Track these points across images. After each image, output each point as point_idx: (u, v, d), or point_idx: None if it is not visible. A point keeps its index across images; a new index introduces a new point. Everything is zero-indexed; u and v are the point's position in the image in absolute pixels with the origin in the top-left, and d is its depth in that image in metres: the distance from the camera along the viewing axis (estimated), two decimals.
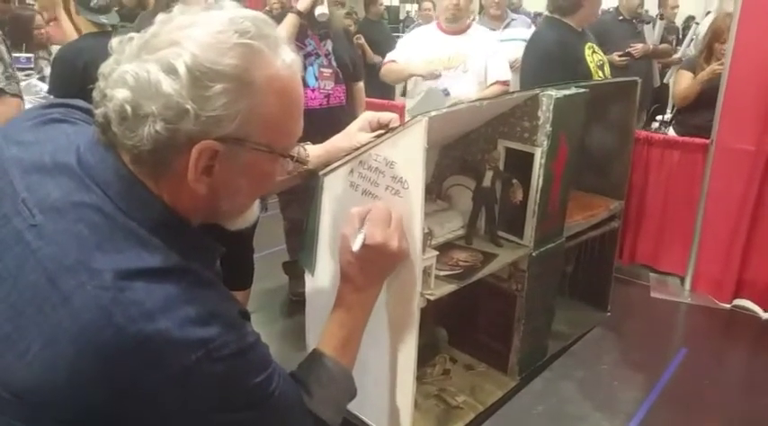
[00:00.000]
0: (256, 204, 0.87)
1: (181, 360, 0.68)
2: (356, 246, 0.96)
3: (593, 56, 2.84)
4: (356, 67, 3.17)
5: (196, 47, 0.69)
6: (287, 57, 0.76)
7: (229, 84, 0.70)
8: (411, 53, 3.33)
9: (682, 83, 3.68)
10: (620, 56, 4.25)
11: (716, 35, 3.84)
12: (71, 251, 0.70)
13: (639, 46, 4.40)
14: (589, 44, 2.87)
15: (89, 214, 0.73)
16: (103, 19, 3.00)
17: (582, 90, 1.36)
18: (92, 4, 2.96)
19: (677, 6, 5.42)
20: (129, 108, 0.69)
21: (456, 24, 3.27)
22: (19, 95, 2.49)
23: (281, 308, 3.41)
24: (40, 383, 0.69)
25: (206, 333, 0.70)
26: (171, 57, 0.69)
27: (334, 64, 3.01)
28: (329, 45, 3.01)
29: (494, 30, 3.98)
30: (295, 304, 3.36)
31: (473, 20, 3.95)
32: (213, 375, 0.71)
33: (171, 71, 0.68)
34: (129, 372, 0.68)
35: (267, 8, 6.41)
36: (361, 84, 3.22)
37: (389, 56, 3.43)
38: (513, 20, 4.25)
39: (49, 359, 0.68)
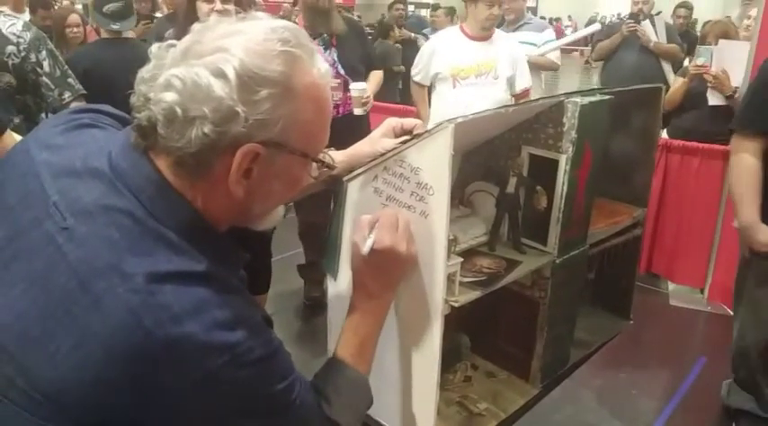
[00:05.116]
0: (281, 206, 0.89)
1: (206, 365, 0.69)
2: (365, 250, 0.98)
3: None
4: (368, 61, 3.18)
5: (243, 53, 0.72)
6: (321, 67, 0.80)
7: (274, 90, 0.73)
8: (438, 61, 3.30)
9: (673, 87, 3.75)
10: (627, 23, 4.42)
11: (701, 38, 3.92)
12: (102, 254, 0.71)
13: (637, 25, 4.49)
14: None
15: (120, 218, 0.74)
16: (114, 26, 2.99)
17: (607, 97, 1.35)
18: (104, 9, 2.96)
19: (684, 16, 5.46)
20: (179, 110, 0.71)
21: (487, 32, 3.27)
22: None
23: (295, 312, 3.44)
24: (69, 384, 0.70)
25: (232, 338, 0.71)
26: (219, 62, 0.71)
27: (341, 71, 2.99)
28: (333, 53, 2.99)
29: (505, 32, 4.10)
30: (309, 308, 3.39)
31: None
32: (237, 380, 0.72)
33: (220, 75, 0.71)
34: (155, 375, 0.69)
35: (281, 13, 6.47)
36: (377, 73, 3.21)
37: (416, 77, 3.44)
38: (526, 23, 4.28)
39: (77, 361, 0.69)
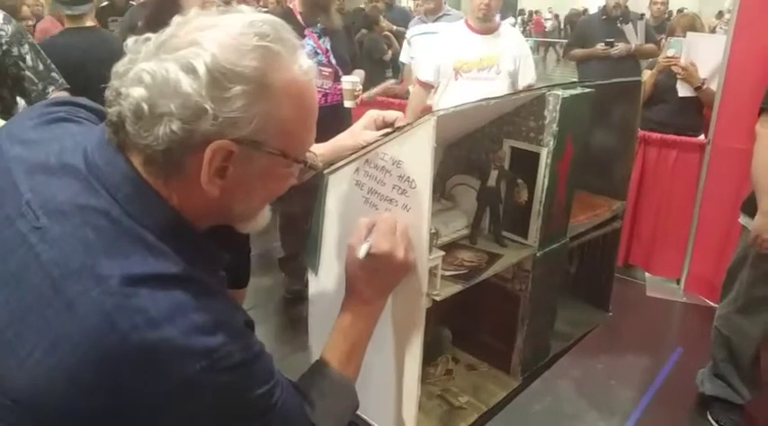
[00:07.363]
0: (267, 207, 0.87)
1: (184, 370, 0.67)
2: (362, 254, 0.95)
3: None
4: (354, 60, 3.23)
5: (216, 47, 0.69)
6: (304, 63, 0.76)
7: (248, 86, 0.70)
8: (442, 55, 3.25)
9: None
10: (602, 48, 4.43)
11: (669, 31, 3.98)
12: (77, 255, 0.69)
13: (621, 45, 4.52)
14: None
15: (95, 218, 0.71)
16: (67, 11, 2.94)
17: (588, 90, 1.35)
18: None
19: (663, 2, 5.46)
20: (145, 106, 0.68)
21: (487, 23, 3.26)
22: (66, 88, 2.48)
23: (276, 305, 3.42)
24: (41, 389, 0.67)
25: (211, 342, 0.69)
26: (190, 57, 0.68)
27: (333, 61, 3.00)
28: (327, 43, 3.00)
29: (425, 22, 4.29)
30: (290, 301, 3.37)
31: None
32: (216, 385, 0.70)
33: (190, 70, 0.68)
34: (131, 380, 0.67)
35: (261, 3, 6.39)
36: (361, 71, 3.24)
37: (421, 74, 3.33)
38: (445, 14, 4.39)
39: (50, 365, 0.67)
